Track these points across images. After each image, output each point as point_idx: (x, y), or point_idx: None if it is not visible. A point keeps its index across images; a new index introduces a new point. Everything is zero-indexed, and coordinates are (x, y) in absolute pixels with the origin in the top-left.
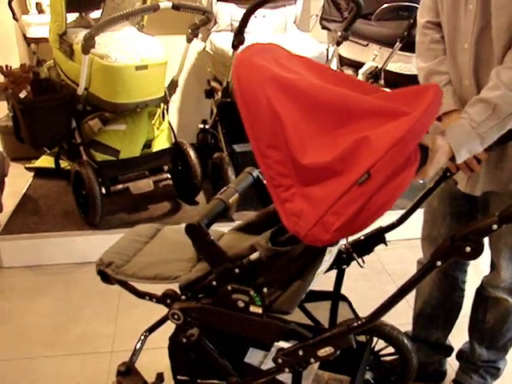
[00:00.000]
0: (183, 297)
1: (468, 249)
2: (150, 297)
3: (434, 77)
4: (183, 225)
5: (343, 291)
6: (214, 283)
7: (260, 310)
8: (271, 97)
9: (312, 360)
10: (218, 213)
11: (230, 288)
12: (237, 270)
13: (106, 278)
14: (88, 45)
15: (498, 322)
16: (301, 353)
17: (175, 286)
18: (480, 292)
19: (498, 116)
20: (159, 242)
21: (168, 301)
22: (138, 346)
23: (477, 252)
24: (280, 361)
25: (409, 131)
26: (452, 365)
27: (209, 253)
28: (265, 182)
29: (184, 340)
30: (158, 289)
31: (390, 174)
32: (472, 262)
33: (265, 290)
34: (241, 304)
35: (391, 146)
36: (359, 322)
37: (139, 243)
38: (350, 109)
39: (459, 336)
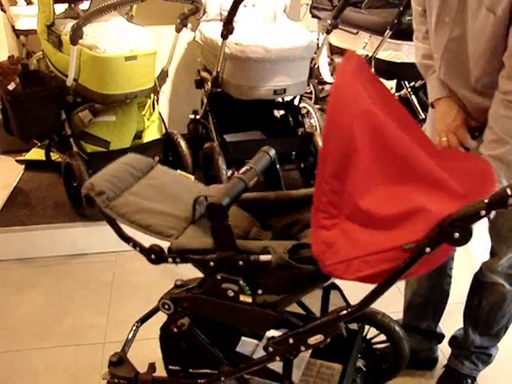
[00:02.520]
0: (170, 259)
1: (457, 235)
2: (135, 245)
3: (431, 60)
4: (178, 171)
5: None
6: (212, 264)
7: (250, 299)
8: (356, 132)
9: (302, 348)
10: (238, 193)
11: (219, 277)
12: (240, 263)
13: (91, 203)
14: (76, 35)
15: (493, 308)
16: (291, 341)
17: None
18: (477, 277)
19: None
20: (154, 184)
21: (152, 256)
22: (129, 337)
23: (465, 238)
24: (270, 349)
25: None
26: (443, 351)
27: (220, 236)
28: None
29: (175, 330)
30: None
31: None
32: (463, 250)
33: (259, 291)
34: (231, 293)
35: None
36: (348, 310)
37: (132, 177)
38: (418, 171)
39: (450, 323)
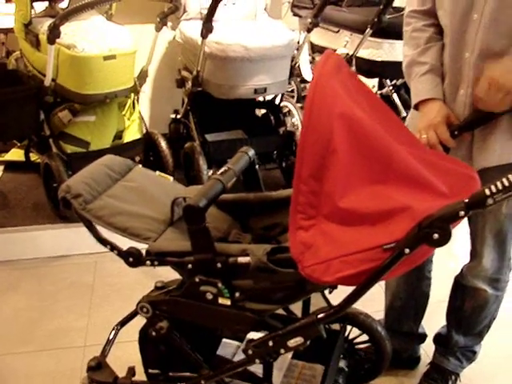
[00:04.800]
0: (147, 261)
1: (436, 236)
2: (113, 248)
3: (414, 67)
4: (157, 172)
5: None
6: (190, 266)
7: (228, 302)
8: (335, 133)
9: (282, 351)
10: (215, 195)
11: (197, 280)
12: (219, 265)
13: (68, 206)
14: (53, 34)
15: (476, 310)
16: (270, 343)
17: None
18: (458, 280)
19: None
20: (132, 186)
21: (130, 259)
22: (109, 340)
23: (444, 239)
24: (250, 352)
25: None
26: (426, 350)
27: (198, 238)
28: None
29: (153, 333)
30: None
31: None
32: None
33: (237, 294)
34: (209, 296)
35: None
36: (328, 312)
37: (110, 179)
38: (401, 171)
39: (433, 321)
